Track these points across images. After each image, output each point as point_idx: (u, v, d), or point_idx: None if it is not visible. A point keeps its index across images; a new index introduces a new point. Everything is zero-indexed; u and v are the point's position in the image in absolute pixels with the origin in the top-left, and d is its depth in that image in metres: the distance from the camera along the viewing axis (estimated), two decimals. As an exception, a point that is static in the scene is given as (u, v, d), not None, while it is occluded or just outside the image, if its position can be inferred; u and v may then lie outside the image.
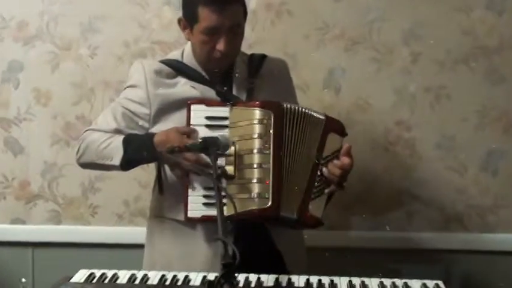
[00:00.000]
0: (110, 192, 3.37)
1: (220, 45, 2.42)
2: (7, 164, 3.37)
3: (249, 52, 2.70)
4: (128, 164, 2.47)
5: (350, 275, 2.28)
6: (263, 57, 2.65)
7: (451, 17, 3.27)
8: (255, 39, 3.23)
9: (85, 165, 2.59)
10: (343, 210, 3.28)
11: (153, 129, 2.49)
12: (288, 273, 2.37)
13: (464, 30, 3.28)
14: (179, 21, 2.52)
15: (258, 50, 2.77)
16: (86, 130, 2.57)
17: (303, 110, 2.44)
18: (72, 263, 3.09)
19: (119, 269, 2.32)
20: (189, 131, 2.39)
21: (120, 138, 2.46)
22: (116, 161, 2.44)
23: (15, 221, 3.40)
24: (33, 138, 3.35)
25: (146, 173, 3.21)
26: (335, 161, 2.45)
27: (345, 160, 2.44)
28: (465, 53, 3.29)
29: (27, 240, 3.39)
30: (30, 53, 3.31)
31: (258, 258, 2.41)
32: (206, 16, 2.39)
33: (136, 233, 3.22)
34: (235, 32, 2.44)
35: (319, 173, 2.45)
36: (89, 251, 3.35)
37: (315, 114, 2.46)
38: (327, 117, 2.48)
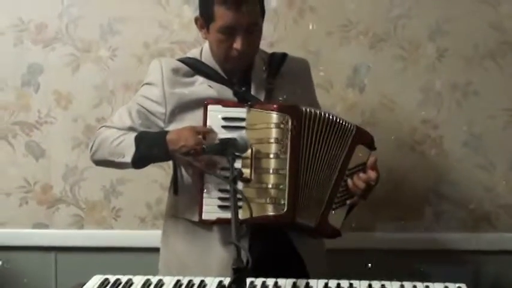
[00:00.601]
0: (131, 195, 3.34)
1: (237, 44, 2.38)
2: (29, 168, 3.35)
3: (270, 51, 2.66)
4: (139, 161, 2.44)
5: (375, 278, 2.22)
6: (284, 56, 2.61)
7: (478, 11, 3.21)
8: (277, 37, 3.19)
9: (98, 162, 2.58)
10: (368, 211, 3.21)
11: (168, 128, 2.46)
12: (308, 276, 2.34)
13: (492, 24, 3.22)
14: (196, 20, 2.50)
15: (280, 49, 2.73)
16: (101, 127, 2.57)
17: (327, 115, 2.39)
18: (96, 267, 3.08)
19: (143, 272, 2.29)
20: (205, 131, 2.36)
21: (132, 136, 2.44)
22: (128, 158, 2.42)
23: (38, 225, 3.38)
24: (54, 141, 3.33)
25: (167, 174, 3.17)
26: (360, 174, 2.41)
27: (371, 174, 2.40)
28: (493, 49, 3.23)
29: (50, 245, 3.37)
30: (49, 56, 3.28)
31: (276, 260, 2.42)
32: (222, 15, 2.36)
33: (159, 236, 3.13)
34: (252, 31, 2.40)
35: (343, 183, 2.41)
36: (112, 255, 3.33)
37: (344, 123, 2.41)
38: (357, 127, 2.44)
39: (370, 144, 2.46)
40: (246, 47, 2.39)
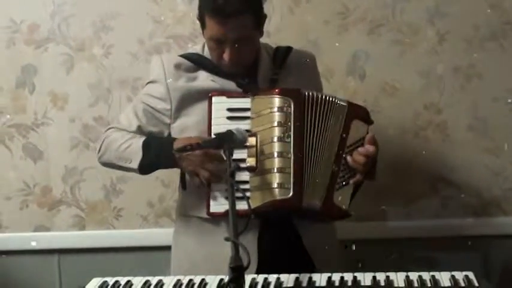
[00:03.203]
0: (133, 193, 3.30)
1: (226, 55, 2.38)
2: (27, 171, 3.31)
3: (268, 41, 2.64)
4: (146, 168, 2.45)
5: (384, 268, 2.18)
6: (288, 49, 2.59)
7: (478, -9, 3.17)
8: (274, 28, 3.14)
9: (105, 165, 2.59)
10: (374, 200, 3.18)
11: (175, 125, 2.47)
12: (315, 270, 2.31)
13: (492, 4, 3.17)
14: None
15: (277, 39, 2.74)
16: (109, 128, 2.57)
17: (325, 96, 2.41)
18: (99, 267, 3.12)
19: (147, 271, 2.29)
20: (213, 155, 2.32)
21: (140, 141, 2.44)
22: (135, 164, 2.43)
23: (39, 228, 3.35)
24: (52, 143, 3.29)
25: (169, 171, 3.07)
26: (359, 149, 2.40)
27: (369, 148, 2.39)
28: (494, 29, 3.19)
29: (53, 248, 3.34)
30: (43, 56, 3.24)
31: (284, 256, 2.43)
32: (211, 26, 2.36)
33: (162, 234, 3.19)
34: (242, 43, 2.37)
35: (343, 161, 2.40)
36: (115, 255, 3.30)
37: (336, 100, 2.42)
38: (349, 103, 2.44)
39: (366, 118, 2.47)
40: (235, 60, 2.39)
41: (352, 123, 2.42)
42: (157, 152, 2.40)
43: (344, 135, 2.41)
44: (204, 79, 2.47)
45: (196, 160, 2.32)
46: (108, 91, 3.25)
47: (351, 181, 2.42)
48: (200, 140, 2.31)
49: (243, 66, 2.44)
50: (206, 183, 2.34)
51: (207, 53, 2.51)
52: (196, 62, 2.49)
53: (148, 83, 2.54)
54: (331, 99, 2.41)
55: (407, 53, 3.21)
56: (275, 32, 3.13)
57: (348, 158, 2.40)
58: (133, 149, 2.43)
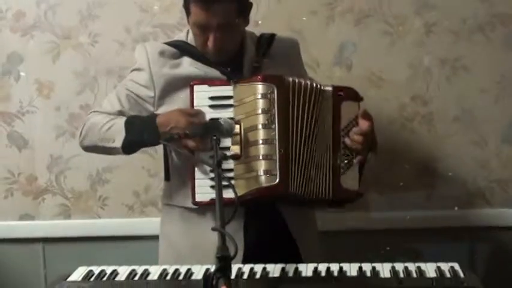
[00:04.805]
0: (118, 183, 3.29)
1: (210, 42, 2.38)
2: (12, 159, 3.29)
3: (255, 31, 2.64)
4: (129, 146, 2.43)
5: (370, 259, 2.19)
6: (272, 36, 2.59)
7: (465, -17, 3.16)
8: (261, 17, 3.13)
9: (88, 148, 2.56)
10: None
11: (158, 112, 2.45)
12: (302, 260, 2.32)
13: (480, -4, 3.17)
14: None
15: (264, 28, 2.71)
16: (90, 112, 2.56)
17: (309, 83, 2.41)
18: (84, 257, 3.10)
19: (132, 261, 2.27)
20: (193, 112, 2.35)
21: (122, 120, 2.43)
22: (118, 143, 2.41)
23: (24, 217, 3.33)
24: (38, 131, 3.28)
25: (155, 161, 3.16)
26: (354, 129, 2.41)
27: (363, 124, 2.40)
28: (481, 22, 3.19)
29: (37, 236, 3.32)
30: (29, 44, 3.22)
31: (270, 244, 2.43)
32: (195, 12, 2.37)
33: (147, 223, 3.19)
34: (226, 30, 2.37)
35: (342, 145, 2.41)
36: (100, 244, 3.28)
37: (320, 86, 2.42)
38: (334, 87, 2.44)
39: (354, 97, 2.47)
40: (219, 46, 2.39)
41: (342, 105, 2.42)
42: (141, 129, 2.39)
43: (336, 119, 2.41)
44: (187, 66, 2.47)
45: (176, 121, 2.32)
46: (94, 80, 3.23)
47: (355, 161, 2.42)
48: (181, 111, 2.33)
49: (227, 53, 2.44)
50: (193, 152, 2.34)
51: (191, 40, 2.51)
52: (181, 48, 2.49)
53: (133, 70, 2.54)
54: (315, 85, 2.41)
55: (395, 45, 3.20)
56: (262, 22, 3.12)
57: (346, 140, 2.41)
58: (116, 128, 2.42)
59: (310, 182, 2.37)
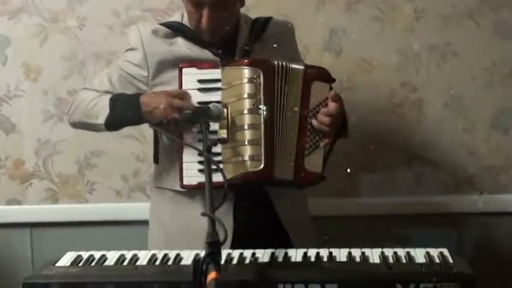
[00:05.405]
0: (106, 168, 3.27)
1: (204, 20, 2.37)
2: (-1, 143, 3.28)
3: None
4: (113, 123, 2.43)
5: (357, 244, 2.17)
6: (267, 20, 2.57)
7: (455, -31, 3.15)
8: (252, 2, 3.08)
9: (75, 125, 2.58)
10: (349, 177, 3.18)
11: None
12: (291, 245, 2.31)
13: (470, -18, 3.17)
14: None
15: (253, 13, 2.68)
16: (81, 89, 2.57)
17: (289, 65, 2.38)
18: (72, 241, 3.08)
19: (121, 245, 2.24)
20: (179, 94, 2.35)
21: (108, 97, 2.43)
22: (101, 119, 2.42)
23: (11, 201, 3.31)
24: (25, 115, 3.25)
25: (144, 146, 3.16)
26: (322, 109, 2.38)
27: (331, 106, 2.38)
28: (471, 8, 3.18)
29: (25, 221, 3.30)
30: (16, 27, 3.19)
31: (259, 228, 2.43)
32: None
33: (135, 208, 3.18)
34: (220, 8, 2.36)
35: (309, 126, 2.39)
36: (88, 229, 3.26)
37: (294, 65, 2.40)
38: (306, 66, 2.42)
39: (326, 78, 2.44)
40: (214, 24, 2.38)
41: (312, 85, 2.40)
42: (125, 107, 2.40)
43: (304, 99, 2.39)
44: (180, 46, 2.46)
45: (158, 102, 2.32)
46: (82, 64, 3.20)
47: (321, 144, 2.40)
48: (166, 93, 2.34)
49: (221, 33, 2.42)
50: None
51: (186, 22, 2.50)
52: (174, 28, 2.49)
53: (127, 50, 2.53)
54: (288, 65, 2.39)
55: (384, 30, 3.20)
56: (253, 6, 3.06)
57: (313, 121, 2.38)
58: (101, 105, 2.43)
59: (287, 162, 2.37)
